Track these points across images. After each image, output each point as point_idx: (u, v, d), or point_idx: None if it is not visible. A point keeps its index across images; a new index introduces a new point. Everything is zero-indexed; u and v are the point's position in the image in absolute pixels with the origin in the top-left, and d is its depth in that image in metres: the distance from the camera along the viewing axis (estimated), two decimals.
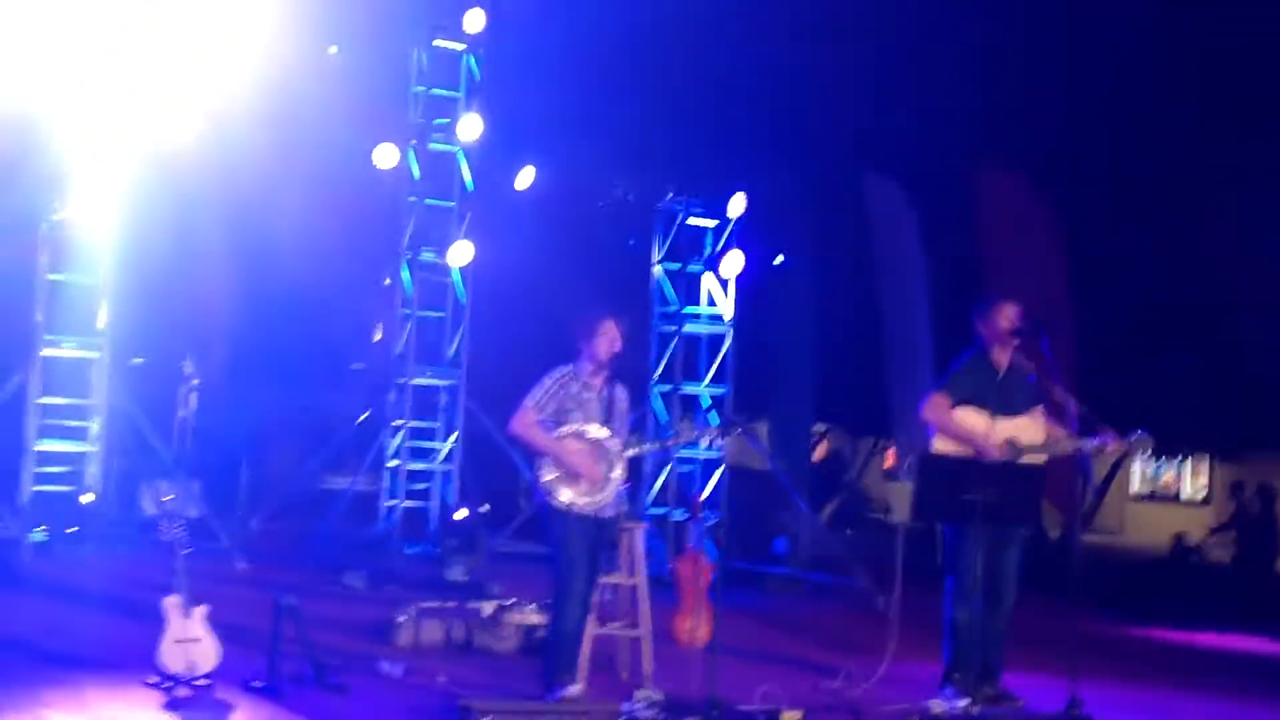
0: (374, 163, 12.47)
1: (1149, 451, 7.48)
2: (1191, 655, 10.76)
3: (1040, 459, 7.35)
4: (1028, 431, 7.38)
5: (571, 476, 6.78)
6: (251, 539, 11.81)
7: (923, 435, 7.59)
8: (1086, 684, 7.13)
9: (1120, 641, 10.74)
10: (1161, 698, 8.38)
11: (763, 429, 16.21)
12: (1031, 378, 7.41)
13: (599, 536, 6.91)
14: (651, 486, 12.94)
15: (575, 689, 6.70)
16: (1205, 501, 26.96)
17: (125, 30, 10.55)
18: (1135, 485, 31.30)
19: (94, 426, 11.02)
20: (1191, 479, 27.87)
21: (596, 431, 6.86)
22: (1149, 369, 17.85)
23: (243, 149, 12.41)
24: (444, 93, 13.04)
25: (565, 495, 6.75)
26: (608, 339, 6.91)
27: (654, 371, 13.08)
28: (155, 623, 6.39)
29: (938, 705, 6.87)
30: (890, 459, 20.47)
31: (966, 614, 7.22)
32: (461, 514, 12.51)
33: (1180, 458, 28.14)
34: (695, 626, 8.38)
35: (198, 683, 6.29)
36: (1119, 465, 22.91)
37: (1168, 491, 27.93)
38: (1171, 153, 14.82)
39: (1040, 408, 7.44)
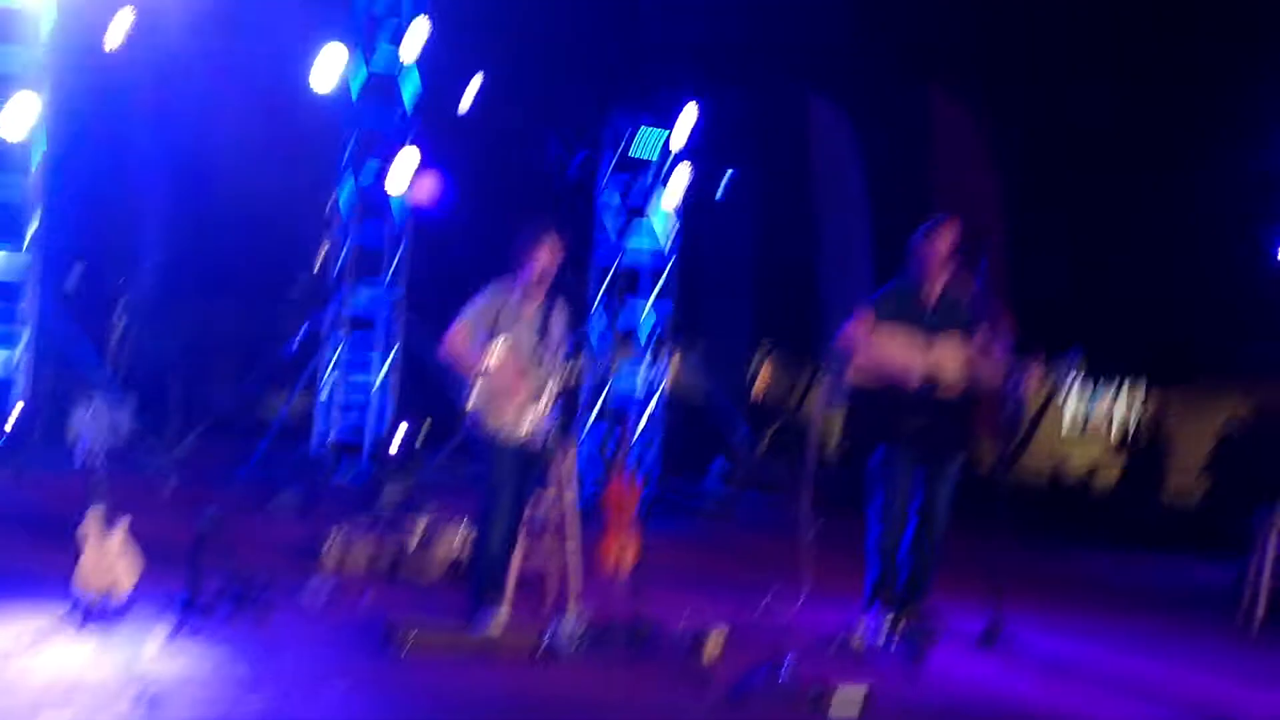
0: (313, 81, 12.21)
1: (1078, 375, 7.39)
2: (1111, 581, 10.93)
3: (958, 388, 7.28)
4: (950, 357, 7.28)
5: (502, 396, 6.72)
6: (183, 457, 11.70)
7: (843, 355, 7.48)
8: (1009, 608, 7.25)
9: (1043, 570, 10.89)
10: (1081, 619, 8.51)
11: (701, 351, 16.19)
12: (971, 303, 7.32)
13: (528, 464, 6.87)
14: (589, 409, 12.93)
15: (501, 610, 6.70)
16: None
17: None
18: (1066, 427, 31.53)
19: (23, 339, 10.85)
20: (1121, 415, 28.15)
21: (530, 349, 6.80)
22: (1086, 294, 17.95)
23: (177, 52, 12.15)
24: (385, 14, 12.78)
25: (494, 417, 6.70)
26: (544, 256, 6.84)
27: (595, 295, 13.03)
28: (77, 540, 6.31)
29: (860, 630, 6.91)
30: (764, 379, 20.45)
31: (888, 536, 7.25)
32: (400, 434, 12.45)
33: (1115, 385, 28.40)
34: (621, 551, 8.35)
35: (116, 599, 6.23)
36: (1048, 403, 23.09)
37: (1098, 433, 28.26)
38: (1123, 78, 14.81)
39: (971, 333, 7.33)
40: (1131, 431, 18.00)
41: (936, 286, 7.37)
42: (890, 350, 7.27)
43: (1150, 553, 12.49)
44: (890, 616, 7.07)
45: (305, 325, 12.97)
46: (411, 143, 12.77)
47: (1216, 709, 6.25)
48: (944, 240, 7.33)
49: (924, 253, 7.37)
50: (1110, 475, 17.63)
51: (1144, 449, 16.73)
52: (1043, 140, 15.80)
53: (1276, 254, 12.66)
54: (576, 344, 6.97)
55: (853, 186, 13.92)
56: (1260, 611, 8.83)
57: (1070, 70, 14.54)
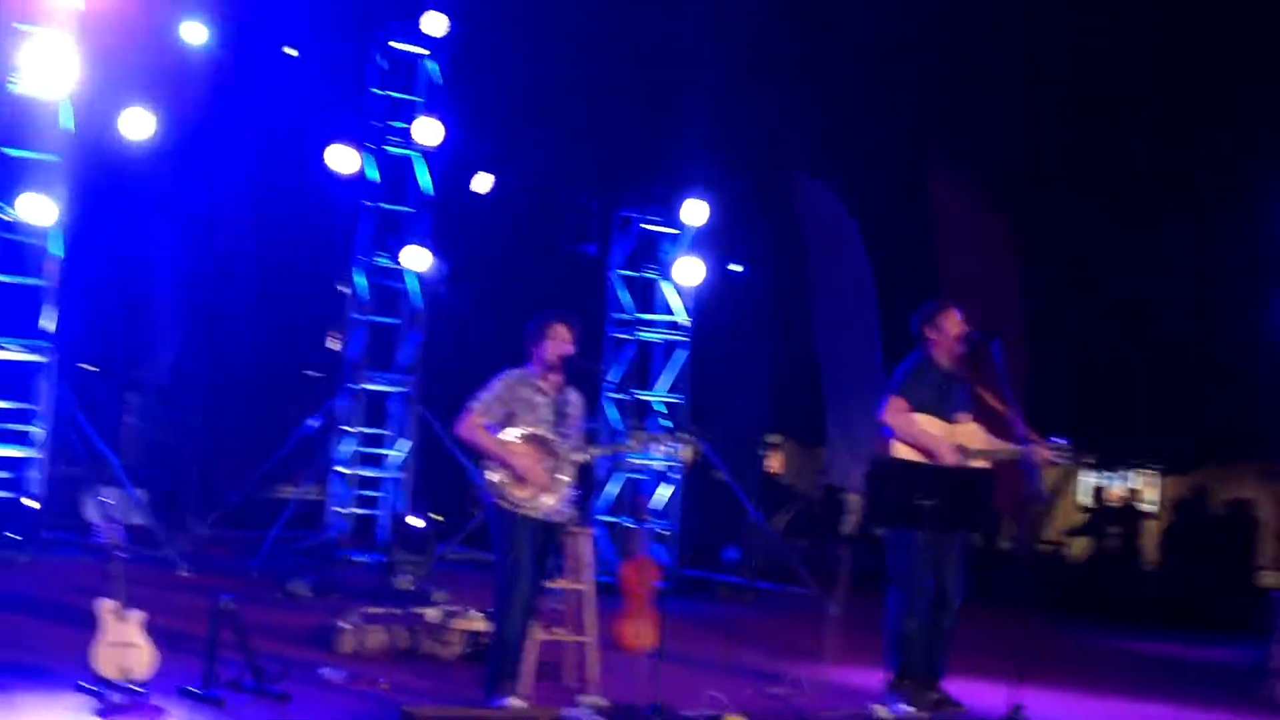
0: (329, 166, 12.34)
1: (1078, 460, 7.50)
2: (1131, 660, 10.80)
3: (986, 464, 7.36)
4: (975, 437, 7.41)
5: (518, 479, 6.72)
6: (196, 547, 11.67)
7: (880, 438, 7.56)
8: (1031, 689, 7.17)
9: (1065, 647, 10.78)
10: (1102, 701, 8.39)
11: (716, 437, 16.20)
12: (966, 384, 7.43)
13: (546, 541, 6.85)
14: (602, 493, 12.91)
15: (518, 697, 6.64)
16: (1154, 515, 27.09)
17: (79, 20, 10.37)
18: (1081, 498, 31.39)
19: (39, 432, 10.86)
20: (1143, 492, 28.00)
21: (544, 434, 6.81)
22: (1103, 380, 17.94)
23: (195, 150, 12.32)
24: (401, 96, 12.97)
25: (512, 497, 6.69)
26: (557, 341, 6.87)
27: (609, 378, 13.04)
28: (91, 628, 6.27)
29: (882, 711, 6.83)
30: (776, 463, 20.40)
31: (914, 623, 7.21)
32: (416, 522, 12.40)
33: (1129, 471, 28.29)
34: (641, 632, 8.28)
35: (133, 689, 6.18)
36: (1064, 483, 23.00)
37: (1115, 505, 28.08)
38: (1130, 157, 14.91)
39: (970, 414, 7.46)
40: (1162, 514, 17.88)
41: (945, 365, 7.45)
42: (929, 429, 7.31)
43: (1169, 632, 12.36)
44: (913, 710, 6.99)
45: (319, 412, 13.00)
46: (426, 229, 12.88)
47: None
48: (952, 322, 7.43)
49: (938, 335, 7.46)
50: (1121, 554, 17.50)
51: (1163, 528, 16.61)
52: (1054, 225, 15.89)
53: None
54: (592, 430, 6.98)
55: (853, 271, 13.98)
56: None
57: (1073, 151, 14.64)
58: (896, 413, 7.39)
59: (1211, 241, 16.27)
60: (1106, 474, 29.42)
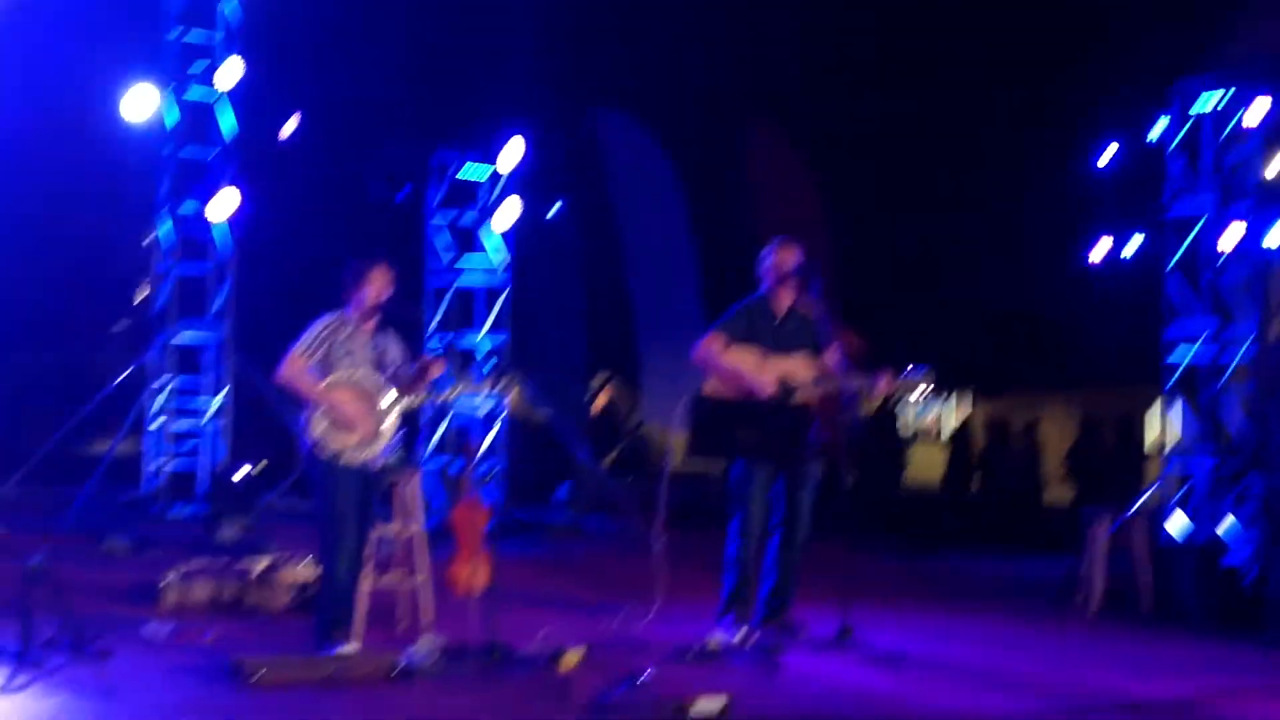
0: (125, 114, 11.82)
1: (926, 388, 7.68)
2: (952, 579, 11.17)
3: (811, 398, 7.47)
4: (800, 370, 7.50)
5: (341, 426, 6.59)
6: (5, 505, 11.20)
7: (697, 376, 7.65)
8: (859, 611, 7.37)
9: (888, 572, 11.10)
10: (925, 618, 8.67)
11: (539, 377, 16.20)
12: (816, 321, 7.52)
13: (368, 487, 6.74)
14: (430, 438, 12.78)
15: (351, 645, 6.54)
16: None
17: None
18: (900, 430, 32.47)
19: None
20: (953, 418, 29.07)
21: (367, 379, 6.69)
22: (910, 309, 18.48)
23: None
24: (201, 37, 12.48)
25: (334, 445, 6.57)
26: (375, 285, 6.76)
27: (429, 324, 12.88)
28: None
29: (716, 639, 6.93)
30: (601, 401, 20.57)
31: (748, 549, 7.32)
32: (241, 473, 12.12)
33: (944, 396, 29.35)
34: (473, 573, 8.23)
35: None
36: (883, 412, 23.69)
37: (929, 433, 29.11)
38: (939, 100, 15.28)
39: (819, 351, 7.56)
40: (961, 438, 18.47)
41: (784, 303, 7.54)
42: (744, 365, 7.38)
43: (985, 551, 12.84)
44: (746, 626, 7.09)
45: (130, 365, 12.56)
46: (231, 175, 12.48)
47: (1055, 694, 6.42)
48: (787, 258, 7.51)
49: (769, 270, 7.54)
50: (941, 479, 18.09)
51: (974, 454, 17.22)
52: (859, 157, 16.22)
53: (1087, 257, 13.16)
54: (416, 371, 6.86)
55: (665, 207, 14.05)
56: (1093, 605, 9.14)
57: (881, 80, 14.94)
58: (708, 346, 7.45)
59: (1019, 181, 16.80)
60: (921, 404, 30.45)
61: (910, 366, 7.55)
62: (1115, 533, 9.43)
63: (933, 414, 29.60)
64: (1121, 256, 13.30)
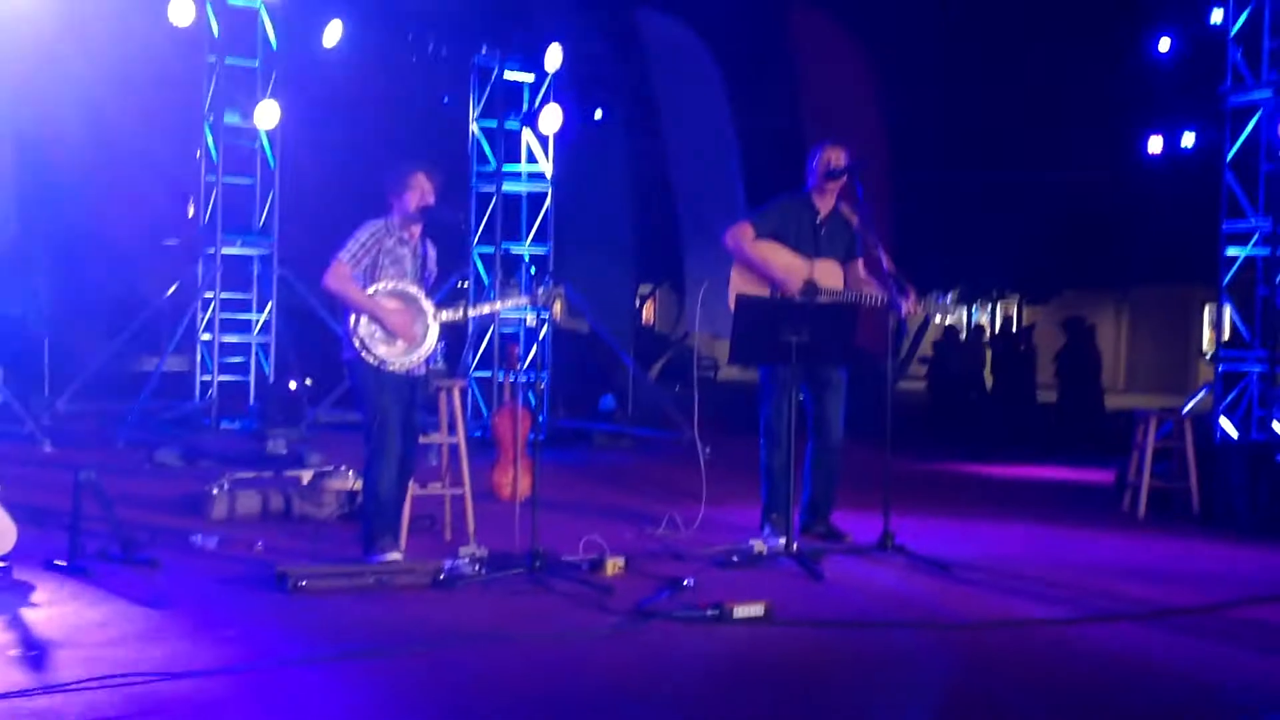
0: (170, 19, 11.79)
1: (948, 311, 7.64)
2: (996, 485, 11.13)
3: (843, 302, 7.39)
4: (830, 276, 7.42)
5: (387, 335, 6.60)
6: (58, 422, 11.37)
7: (725, 264, 7.57)
8: (901, 518, 7.35)
9: (929, 477, 11.08)
10: (966, 524, 8.65)
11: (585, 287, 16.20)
12: (857, 226, 7.42)
13: (412, 395, 6.76)
14: (476, 349, 12.81)
15: (395, 553, 6.60)
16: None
17: None
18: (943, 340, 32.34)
19: None
20: (999, 321, 28.87)
21: (412, 289, 6.68)
22: (961, 214, 18.25)
23: (20, 12, 11.66)
24: None
25: (378, 352, 6.58)
26: (419, 192, 6.71)
27: (474, 232, 12.84)
28: None
29: (758, 545, 6.95)
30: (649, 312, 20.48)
31: (776, 456, 7.31)
32: (290, 386, 12.23)
33: (992, 300, 29.13)
34: (516, 480, 8.29)
35: None
36: (928, 318, 23.56)
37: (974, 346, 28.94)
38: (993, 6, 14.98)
39: (859, 260, 7.49)
40: (1006, 343, 18.32)
41: (827, 203, 7.46)
42: (774, 260, 7.32)
43: (1031, 456, 12.78)
44: (786, 533, 7.10)
45: (177, 281, 12.65)
46: (274, 85, 12.44)
47: (1095, 600, 6.39)
48: (833, 158, 7.41)
49: (814, 170, 7.46)
50: (985, 385, 18.01)
51: (1018, 360, 17.08)
52: (908, 55, 15.94)
53: (1145, 151, 12.91)
54: (461, 278, 6.86)
55: (711, 111, 13.85)
56: (1141, 509, 9.08)
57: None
58: (736, 234, 7.39)
59: (1068, 77, 16.47)
60: (969, 306, 30.22)
61: (936, 291, 7.49)
62: (1164, 435, 9.35)
63: (981, 317, 29.34)
64: (1182, 147, 13.06)
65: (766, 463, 7.41)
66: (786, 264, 7.37)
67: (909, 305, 7.38)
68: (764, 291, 7.34)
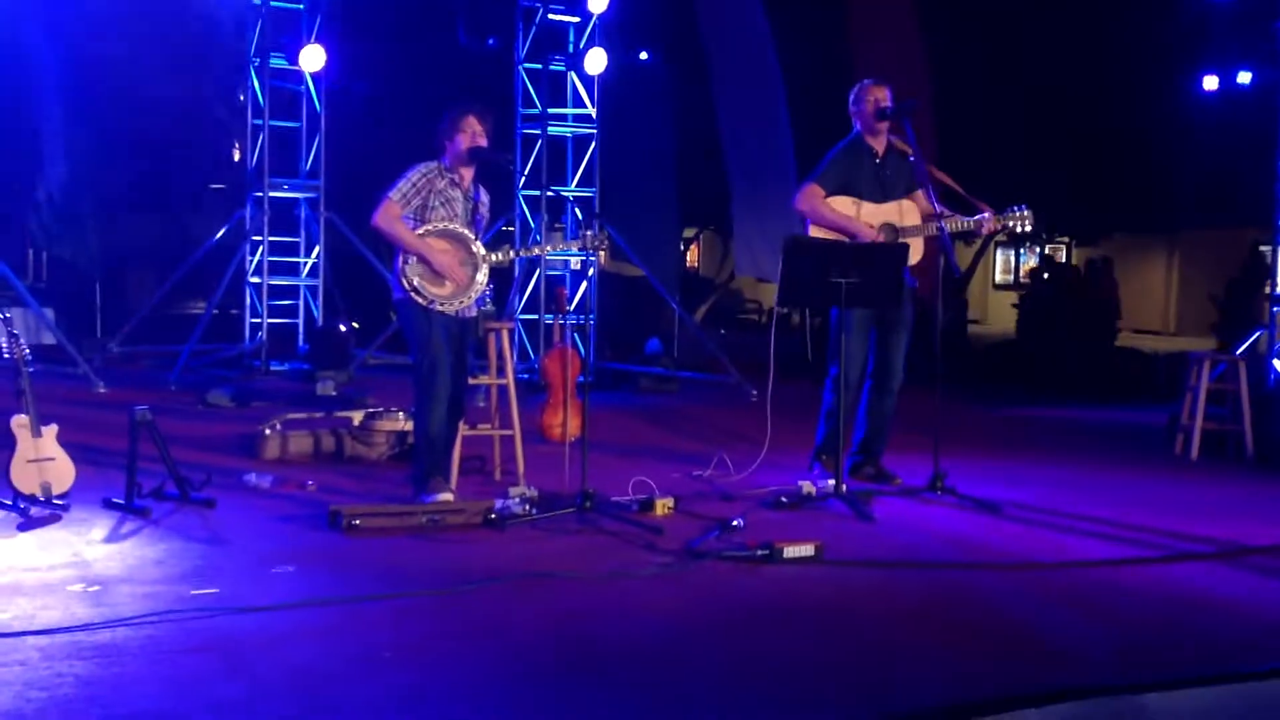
0: None
1: (1027, 227, 7.59)
2: (1048, 426, 11.06)
3: (917, 241, 7.39)
4: (904, 215, 7.41)
5: (435, 275, 6.61)
6: (111, 363, 11.49)
7: (800, 227, 7.58)
8: (952, 460, 7.33)
9: (982, 419, 11.03)
10: (1022, 464, 8.61)
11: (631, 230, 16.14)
12: (913, 160, 7.36)
13: (462, 336, 6.79)
14: (522, 292, 12.81)
15: (446, 493, 6.64)
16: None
17: None
18: (998, 275, 32.07)
19: None
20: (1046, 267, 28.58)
21: (462, 230, 6.68)
22: (1008, 155, 18.05)
23: None
24: None
25: (427, 293, 6.59)
26: (470, 133, 6.70)
27: (520, 175, 12.81)
28: (5, 445, 6.17)
29: (806, 486, 6.95)
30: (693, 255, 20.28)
31: (849, 399, 7.30)
32: (339, 328, 12.31)
33: (1041, 244, 28.85)
34: (566, 422, 8.32)
35: (54, 503, 6.11)
36: (981, 255, 23.36)
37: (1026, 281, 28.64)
38: None
39: (920, 192, 7.43)
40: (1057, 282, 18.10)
41: (881, 142, 7.42)
42: (841, 213, 7.30)
43: (1083, 399, 12.69)
44: (837, 474, 7.09)
45: (226, 224, 12.70)
46: (320, 28, 12.41)
47: (1146, 541, 6.35)
48: (878, 96, 7.36)
49: (860, 112, 7.42)
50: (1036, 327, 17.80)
51: (1069, 301, 16.89)
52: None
53: (1201, 84, 12.71)
54: (507, 221, 6.84)
55: (757, 52, 13.68)
56: (1194, 451, 9.01)
57: None
58: (807, 198, 7.38)
59: (1113, 23, 16.20)
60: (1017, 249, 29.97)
61: (1016, 207, 7.45)
62: (1218, 377, 9.26)
63: (1029, 263, 29.07)
64: (1238, 81, 12.85)
65: (831, 405, 7.39)
66: (869, 213, 7.35)
67: (990, 223, 7.34)
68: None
